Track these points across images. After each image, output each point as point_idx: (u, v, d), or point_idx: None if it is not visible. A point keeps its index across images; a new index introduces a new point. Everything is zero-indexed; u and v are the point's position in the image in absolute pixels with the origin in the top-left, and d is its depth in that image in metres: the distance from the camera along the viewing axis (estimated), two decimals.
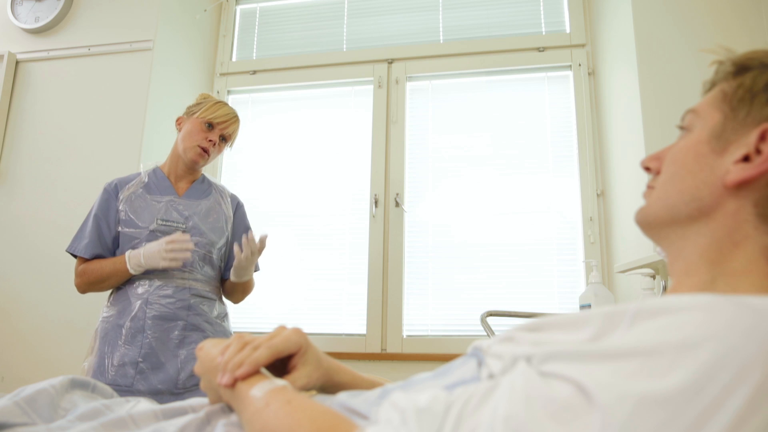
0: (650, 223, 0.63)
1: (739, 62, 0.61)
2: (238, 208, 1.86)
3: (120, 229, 1.68)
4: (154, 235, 1.65)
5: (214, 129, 1.73)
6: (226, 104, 1.78)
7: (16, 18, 2.68)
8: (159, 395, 1.56)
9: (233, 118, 1.76)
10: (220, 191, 1.84)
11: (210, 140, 1.72)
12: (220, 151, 1.78)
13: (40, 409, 0.73)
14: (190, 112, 1.78)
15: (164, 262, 1.57)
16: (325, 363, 0.73)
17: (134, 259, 1.61)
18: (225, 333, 1.75)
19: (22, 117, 2.56)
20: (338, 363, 0.77)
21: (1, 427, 0.66)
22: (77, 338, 2.21)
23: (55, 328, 2.26)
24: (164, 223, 1.67)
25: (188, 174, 1.78)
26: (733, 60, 0.62)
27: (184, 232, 1.68)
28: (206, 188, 1.81)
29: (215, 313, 1.73)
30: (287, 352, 0.69)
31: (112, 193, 1.72)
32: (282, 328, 0.71)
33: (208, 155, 1.74)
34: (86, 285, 1.68)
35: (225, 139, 1.77)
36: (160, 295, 1.63)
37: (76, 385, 0.83)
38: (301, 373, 0.69)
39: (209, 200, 1.78)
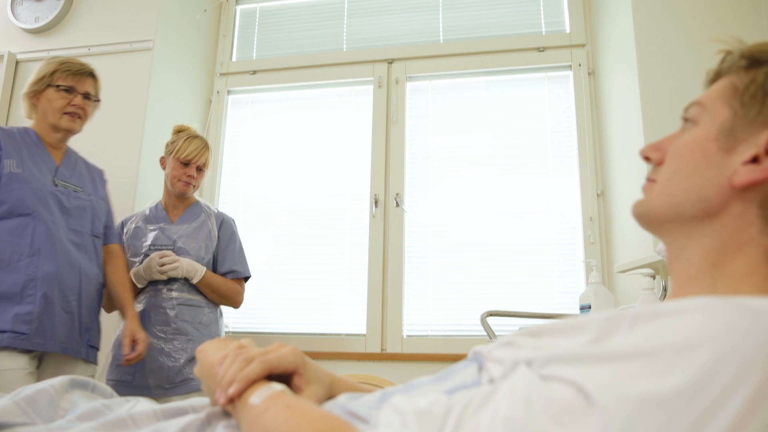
0: (652, 219, 0.61)
1: (750, 54, 0.58)
2: (222, 224, 2.04)
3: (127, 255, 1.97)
4: (146, 258, 1.92)
5: (190, 164, 1.96)
6: (196, 137, 1.99)
7: (16, 18, 2.67)
8: (155, 389, 1.80)
9: (202, 150, 1.97)
10: (207, 213, 2.05)
11: (189, 175, 1.97)
12: (201, 178, 2.01)
13: (40, 409, 0.73)
14: (168, 151, 2.01)
15: (158, 275, 1.85)
16: (326, 379, 0.72)
17: (135, 275, 1.90)
18: (211, 336, 1.92)
19: (22, 117, 2.55)
20: (337, 375, 0.76)
21: (1, 427, 0.66)
22: None
23: None
24: (153, 247, 1.93)
25: (181, 202, 2.02)
26: (742, 51, 0.59)
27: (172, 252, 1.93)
28: (197, 212, 2.03)
29: (202, 318, 1.92)
30: (281, 370, 0.67)
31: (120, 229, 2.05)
32: (280, 345, 0.70)
33: (192, 185, 1.98)
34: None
35: (201, 168, 1.99)
36: (153, 304, 1.89)
37: (76, 385, 0.83)
38: (308, 393, 0.68)
39: (197, 222, 2.00)
